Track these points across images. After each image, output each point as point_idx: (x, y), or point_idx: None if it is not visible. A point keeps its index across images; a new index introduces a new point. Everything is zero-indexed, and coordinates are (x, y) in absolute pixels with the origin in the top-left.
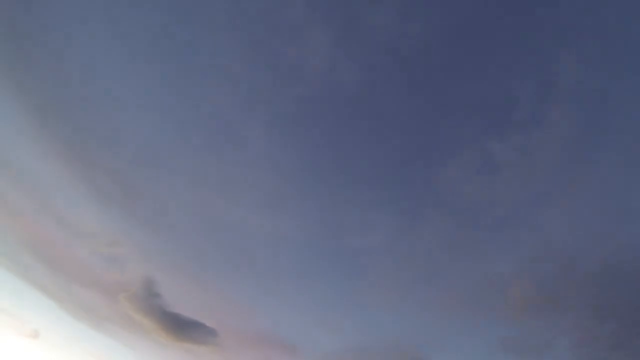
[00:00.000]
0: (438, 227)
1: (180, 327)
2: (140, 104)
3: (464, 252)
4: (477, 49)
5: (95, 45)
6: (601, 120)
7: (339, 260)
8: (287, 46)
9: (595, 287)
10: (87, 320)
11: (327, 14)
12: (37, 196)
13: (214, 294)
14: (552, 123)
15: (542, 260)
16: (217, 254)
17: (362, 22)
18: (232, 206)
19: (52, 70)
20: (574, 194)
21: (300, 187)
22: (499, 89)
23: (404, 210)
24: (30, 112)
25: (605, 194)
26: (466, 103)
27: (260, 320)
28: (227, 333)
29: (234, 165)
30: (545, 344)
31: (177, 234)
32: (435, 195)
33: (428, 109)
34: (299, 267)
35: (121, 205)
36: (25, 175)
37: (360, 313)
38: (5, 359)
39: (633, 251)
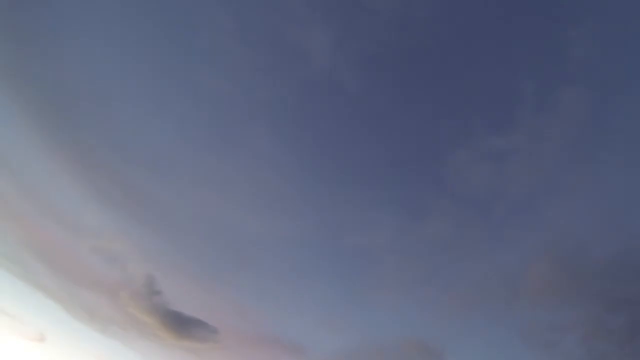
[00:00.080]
0: (445, 220)
1: (182, 325)
2: (141, 105)
3: (473, 244)
4: (483, 34)
5: (95, 46)
6: (613, 102)
7: (343, 260)
8: (288, 46)
9: (605, 278)
10: (91, 323)
11: (327, 13)
12: (39, 198)
13: (216, 294)
14: (562, 106)
15: (552, 251)
16: (219, 254)
17: (363, 17)
18: (234, 206)
19: (53, 71)
20: (585, 181)
21: (301, 186)
22: (505, 74)
23: (408, 205)
24: (30, 113)
25: (618, 180)
26: (471, 92)
27: (263, 319)
28: (230, 333)
29: (235, 165)
30: (556, 337)
31: (179, 234)
32: (441, 188)
33: (431, 101)
34: (301, 266)
35: (123, 205)
36: (27, 177)
37: (367, 311)
38: None
39: None
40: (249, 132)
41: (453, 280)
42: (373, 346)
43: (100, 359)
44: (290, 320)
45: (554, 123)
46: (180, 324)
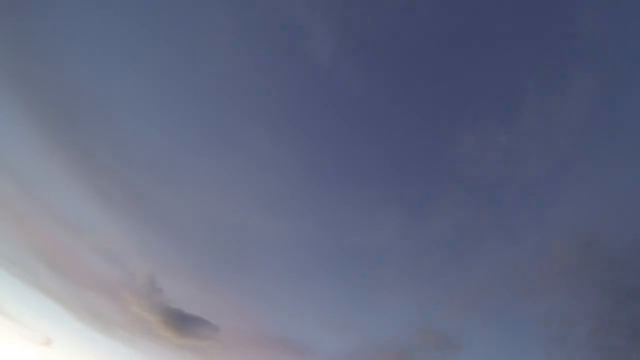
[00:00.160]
0: (451, 214)
1: (184, 323)
2: (141, 106)
3: (481, 237)
4: (489, 18)
5: (95, 46)
6: (627, 85)
7: (345, 259)
8: (288, 46)
9: (617, 270)
10: (96, 325)
11: (328, 13)
12: (42, 201)
13: (218, 293)
14: (572, 89)
15: (563, 241)
16: (221, 254)
17: (364, 16)
18: (235, 206)
19: (53, 72)
20: (598, 167)
21: (302, 186)
22: (512, 59)
23: (412, 202)
24: (31, 114)
25: (633, 167)
26: (476, 78)
27: (265, 319)
28: (233, 333)
29: (236, 165)
30: (566, 330)
31: (180, 234)
32: (446, 182)
33: (434, 94)
34: (304, 266)
35: (124, 206)
36: (30, 180)
37: (370, 311)
38: None
39: None
40: (250, 132)
41: (460, 275)
42: (377, 345)
43: None
44: (292, 320)
45: (564, 107)
46: (183, 323)
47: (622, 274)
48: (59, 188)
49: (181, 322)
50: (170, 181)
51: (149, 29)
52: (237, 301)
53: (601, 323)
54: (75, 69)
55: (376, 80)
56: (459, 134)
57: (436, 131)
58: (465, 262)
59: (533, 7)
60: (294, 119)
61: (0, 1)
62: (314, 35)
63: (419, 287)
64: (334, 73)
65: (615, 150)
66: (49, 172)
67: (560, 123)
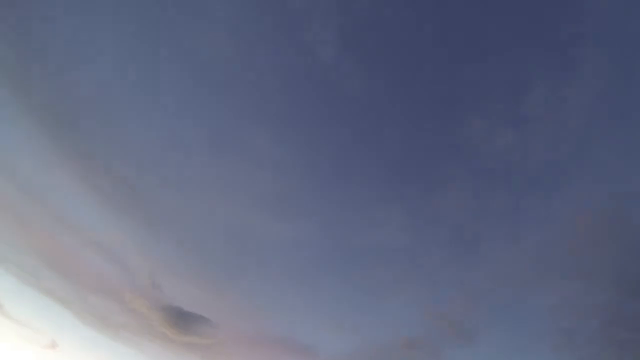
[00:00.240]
0: (458, 204)
1: (186, 322)
2: (142, 107)
3: (494, 221)
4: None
5: (97, 48)
6: (638, 59)
7: (350, 259)
8: (288, 46)
9: (631, 260)
10: (101, 327)
11: (328, 12)
12: (45, 204)
13: (222, 293)
14: (584, 66)
15: (574, 228)
16: (223, 255)
17: (365, 13)
18: (239, 208)
19: (57, 76)
20: (614, 149)
21: (304, 186)
22: (520, 38)
23: (416, 200)
24: (33, 116)
25: None
26: (483, 61)
27: (269, 320)
28: (234, 332)
29: (239, 165)
30: (576, 322)
31: (182, 235)
32: (452, 167)
33: (436, 88)
34: (307, 266)
35: (125, 207)
36: (34, 184)
37: (375, 310)
38: None
39: None
40: (250, 132)
41: (465, 270)
42: (378, 345)
43: None
44: (293, 319)
45: (576, 83)
46: (185, 321)
47: (634, 266)
48: (59, 188)
49: (183, 320)
50: (170, 181)
51: (148, 29)
52: (238, 301)
53: (612, 316)
54: (76, 69)
55: (377, 79)
56: (462, 132)
57: (437, 131)
58: (470, 257)
59: None
60: (294, 119)
61: (0, 1)
62: (314, 35)
63: (422, 285)
64: (334, 72)
65: (632, 133)
66: (49, 172)
67: (573, 103)
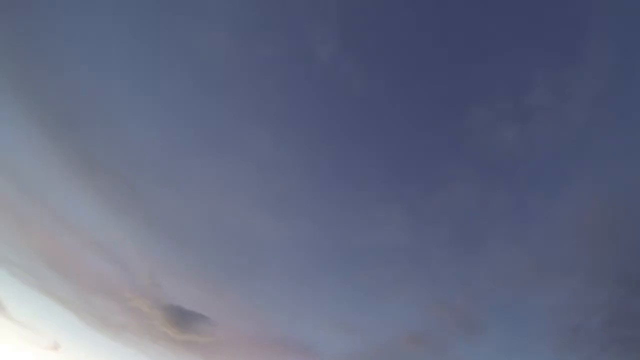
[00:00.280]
0: (459, 201)
1: (186, 321)
2: (142, 107)
3: (495, 221)
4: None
5: (98, 47)
6: None
7: (351, 259)
8: (288, 46)
9: (633, 256)
10: (101, 327)
11: (328, 9)
12: (43, 203)
13: (222, 293)
14: (588, 58)
15: (578, 223)
16: (223, 255)
17: (365, 12)
18: (240, 208)
19: (57, 75)
20: (619, 142)
21: (305, 186)
22: (525, 30)
23: (418, 199)
24: (33, 116)
25: None
26: (487, 52)
27: (270, 319)
28: (234, 332)
29: (239, 165)
30: (579, 319)
31: (182, 235)
32: (456, 162)
33: (438, 85)
34: (308, 266)
35: (126, 208)
36: (35, 185)
37: (377, 310)
38: None
39: None
40: (250, 132)
41: (470, 268)
42: (378, 345)
43: None
44: (293, 319)
45: (580, 75)
46: (184, 320)
47: (636, 264)
48: (59, 188)
49: (183, 319)
50: (170, 181)
51: (148, 29)
52: (238, 300)
53: (615, 313)
54: (75, 69)
55: (377, 79)
56: (462, 132)
57: (437, 130)
58: (471, 257)
59: None
60: (293, 119)
61: (0, 1)
62: (314, 35)
63: (422, 284)
64: (334, 72)
65: (629, 133)
66: (49, 172)
67: (577, 96)
